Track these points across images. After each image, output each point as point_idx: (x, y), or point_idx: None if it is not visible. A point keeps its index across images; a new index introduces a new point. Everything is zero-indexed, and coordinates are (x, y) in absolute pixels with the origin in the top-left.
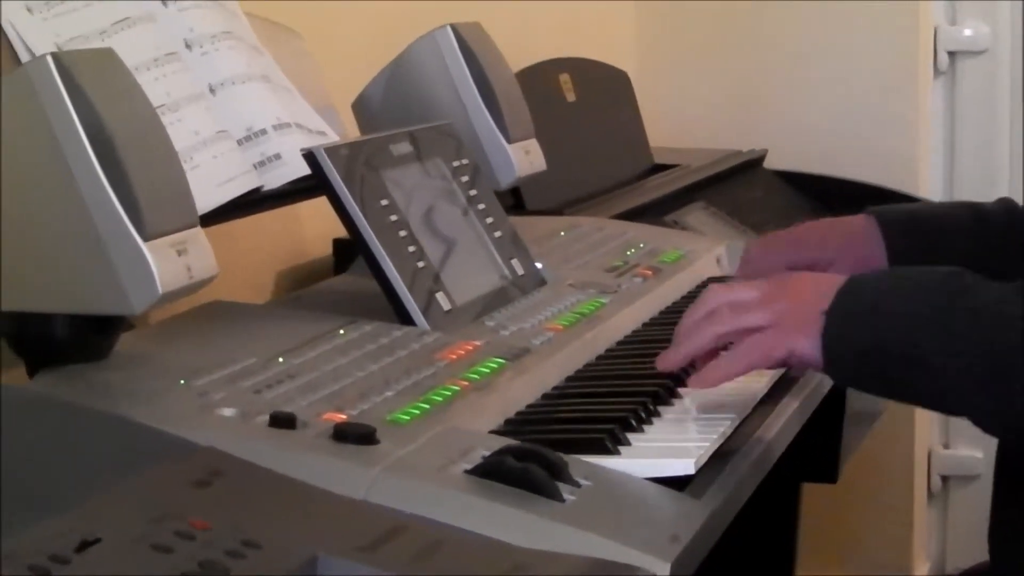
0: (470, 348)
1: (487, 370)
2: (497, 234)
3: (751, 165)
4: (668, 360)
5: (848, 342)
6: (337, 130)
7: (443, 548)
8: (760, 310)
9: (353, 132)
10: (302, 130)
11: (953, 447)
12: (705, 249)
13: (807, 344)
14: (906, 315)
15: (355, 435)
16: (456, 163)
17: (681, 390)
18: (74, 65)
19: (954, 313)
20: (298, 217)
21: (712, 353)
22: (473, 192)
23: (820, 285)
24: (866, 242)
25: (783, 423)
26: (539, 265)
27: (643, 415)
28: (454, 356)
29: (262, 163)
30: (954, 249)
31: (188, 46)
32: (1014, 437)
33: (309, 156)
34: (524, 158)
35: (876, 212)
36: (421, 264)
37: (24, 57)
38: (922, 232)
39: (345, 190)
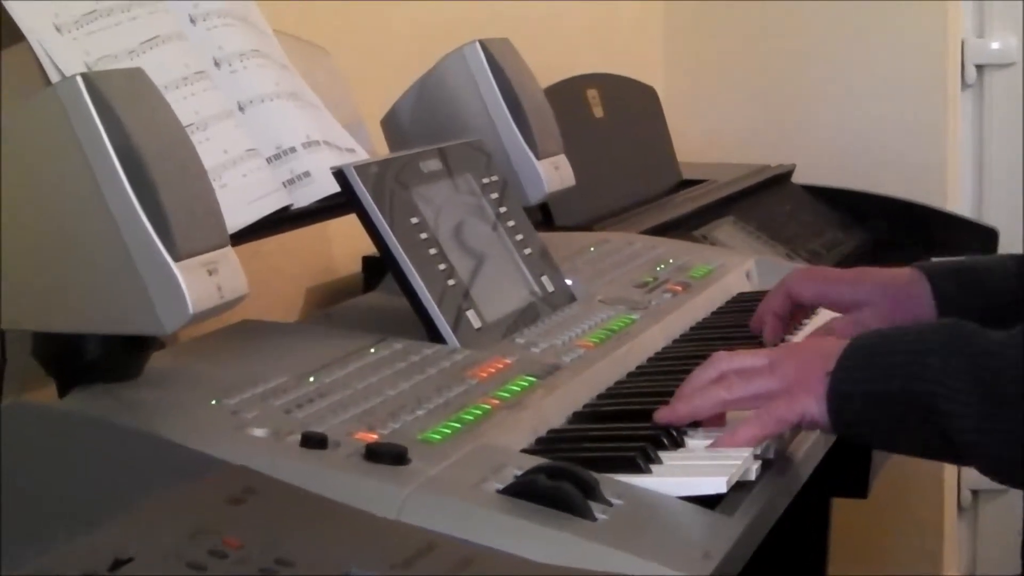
0: (501, 366)
1: (518, 388)
2: (527, 250)
3: (779, 180)
4: (669, 416)
5: (852, 397)
6: (366, 147)
7: (476, 567)
8: (767, 376)
9: (382, 149)
10: (331, 148)
11: None
12: (735, 264)
13: (814, 405)
14: (907, 363)
15: (387, 455)
16: (485, 179)
17: None
18: (104, 85)
19: (955, 358)
20: (327, 235)
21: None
22: (503, 208)
23: (824, 348)
24: (910, 292)
25: (813, 439)
26: (569, 281)
27: (674, 433)
28: (485, 374)
29: (291, 181)
30: (1003, 296)
31: (217, 64)
32: (1021, 485)
33: (339, 174)
34: (554, 174)
35: (921, 265)
36: (451, 282)
37: (54, 77)
38: (970, 280)
39: (375, 208)
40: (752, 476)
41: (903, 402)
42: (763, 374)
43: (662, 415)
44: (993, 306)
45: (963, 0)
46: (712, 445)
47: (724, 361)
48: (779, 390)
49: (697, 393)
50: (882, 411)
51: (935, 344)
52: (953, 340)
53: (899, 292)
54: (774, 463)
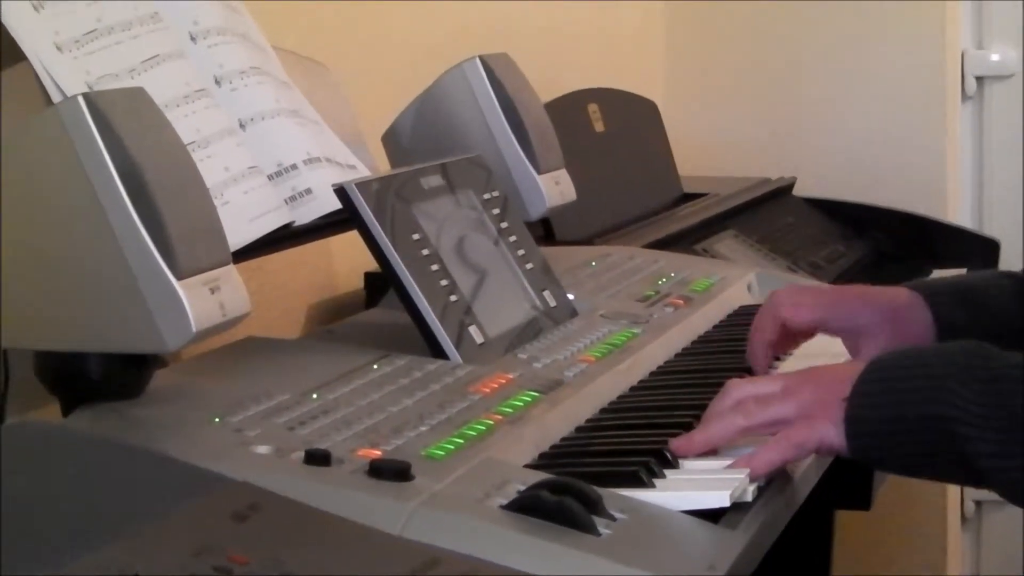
0: (503, 381)
1: (521, 403)
2: (528, 265)
3: (781, 193)
4: (688, 445)
5: (869, 422)
6: (367, 163)
7: None
8: (785, 402)
9: (383, 165)
10: (332, 164)
11: None
12: (736, 277)
13: (832, 431)
14: (925, 387)
15: (390, 471)
16: (487, 195)
17: None
18: (106, 105)
19: (974, 382)
20: (329, 251)
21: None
22: (504, 224)
23: (840, 373)
24: (908, 315)
25: None
26: (571, 296)
27: None
28: (487, 389)
29: (293, 198)
30: (1002, 317)
31: (217, 82)
32: None
33: (340, 191)
34: (554, 189)
35: (917, 285)
36: (453, 297)
37: (55, 96)
38: (969, 301)
39: (376, 224)
40: (748, 497)
41: (921, 427)
42: (779, 400)
43: (679, 447)
44: (993, 327)
45: (963, 8)
46: (730, 468)
47: (739, 388)
48: (796, 415)
49: (713, 421)
50: (900, 436)
51: (953, 367)
52: (971, 363)
53: (898, 316)
54: (776, 479)
